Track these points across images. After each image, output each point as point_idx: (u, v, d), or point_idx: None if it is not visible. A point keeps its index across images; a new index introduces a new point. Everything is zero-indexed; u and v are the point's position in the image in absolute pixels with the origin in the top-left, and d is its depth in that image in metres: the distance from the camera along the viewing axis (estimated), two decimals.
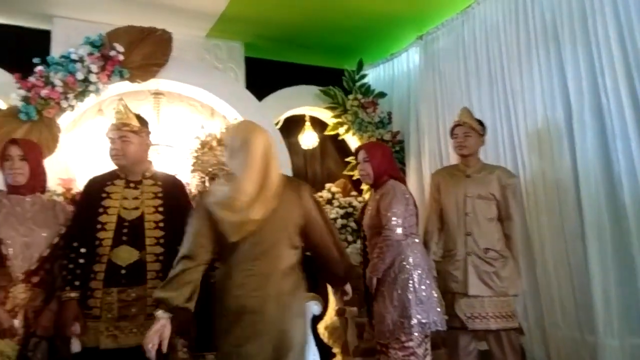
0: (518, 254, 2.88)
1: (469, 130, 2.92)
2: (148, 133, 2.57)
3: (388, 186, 2.65)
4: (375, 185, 2.74)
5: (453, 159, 3.78)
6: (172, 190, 2.52)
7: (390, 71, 4.86)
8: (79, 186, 3.45)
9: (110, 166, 2.62)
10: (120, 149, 2.40)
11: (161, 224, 2.40)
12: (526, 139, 3.40)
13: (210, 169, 2.76)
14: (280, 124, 4.56)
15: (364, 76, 4.77)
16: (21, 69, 3.50)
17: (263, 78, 4.60)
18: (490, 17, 3.75)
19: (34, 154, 2.46)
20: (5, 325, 2.12)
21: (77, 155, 3.80)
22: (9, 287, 2.19)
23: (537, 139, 3.33)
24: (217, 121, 4.26)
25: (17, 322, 2.17)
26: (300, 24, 4.21)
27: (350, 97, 4.64)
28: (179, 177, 2.80)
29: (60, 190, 3.44)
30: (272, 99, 4.54)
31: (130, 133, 2.42)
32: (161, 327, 1.78)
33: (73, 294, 2.24)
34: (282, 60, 4.83)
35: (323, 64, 4.93)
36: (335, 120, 4.69)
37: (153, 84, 3.99)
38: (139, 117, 2.52)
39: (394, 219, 2.52)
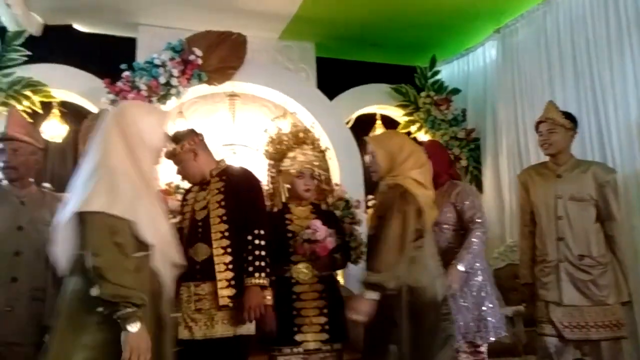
0: (624, 257, 2.64)
1: (554, 127, 2.75)
2: (202, 139, 2.65)
3: (459, 185, 2.60)
4: (434, 184, 2.69)
5: (534, 157, 3.61)
6: (235, 183, 2.54)
7: (465, 67, 4.71)
8: (161, 185, 3.64)
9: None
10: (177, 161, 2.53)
11: (224, 218, 2.46)
12: (617, 135, 3.17)
13: (291, 168, 2.81)
14: (352, 123, 4.55)
15: (436, 72, 4.66)
16: (110, 74, 3.74)
17: (334, 77, 4.62)
18: (576, 6, 3.54)
19: None
20: None
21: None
22: None
23: (629, 135, 3.09)
24: (288, 121, 4.33)
25: None
26: (372, 22, 4.19)
27: (423, 94, 4.55)
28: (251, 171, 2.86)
29: None
30: (343, 98, 4.55)
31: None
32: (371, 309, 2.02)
33: None
34: (352, 59, 4.82)
35: (394, 62, 4.87)
36: (407, 119, 4.62)
37: (228, 86, 4.13)
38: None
39: (482, 218, 2.48)
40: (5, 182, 2.54)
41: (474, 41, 4.55)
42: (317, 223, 2.57)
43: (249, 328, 2.40)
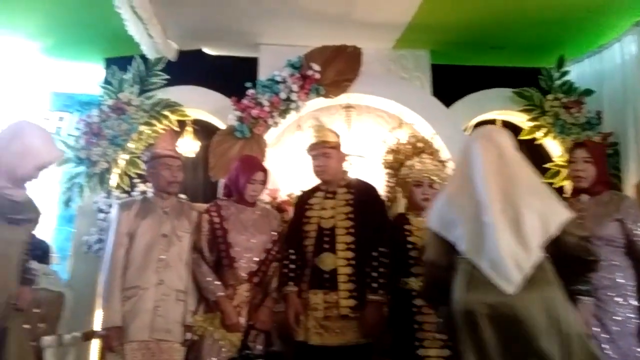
0: None
1: None
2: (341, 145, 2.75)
3: (626, 199, 2.43)
4: (590, 192, 2.45)
5: None
6: (364, 196, 2.66)
7: (598, 65, 4.29)
8: (282, 195, 3.81)
9: (309, 178, 2.88)
10: (323, 165, 2.60)
11: (351, 230, 2.54)
12: None
13: (408, 176, 2.79)
14: (470, 130, 4.38)
15: (565, 73, 4.31)
16: (235, 93, 4.01)
17: (450, 84, 4.48)
18: None
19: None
20: (234, 320, 2.43)
21: (280, 167, 4.19)
22: (236, 286, 2.50)
23: None
24: (405, 131, 4.29)
25: (242, 320, 2.47)
26: (491, 25, 4.00)
27: (549, 97, 4.23)
28: (372, 184, 2.89)
29: (267, 199, 3.83)
30: (460, 105, 4.39)
31: (329, 149, 2.61)
32: None
33: (293, 288, 2.50)
34: (470, 65, 4.65)
35: (516, 64, 4.60)
36: (532, 124, 4.33)
37: (344, 98, 4.20)
38: (334, 132, 2.70)
39: None
40: (150, 194, 2.83)
41: (608, 37, 4.13)
42: None
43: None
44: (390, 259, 2.56)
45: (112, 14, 3.71)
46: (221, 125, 4.19)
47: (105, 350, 2.46)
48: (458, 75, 4.59)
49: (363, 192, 2.71)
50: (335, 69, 3.97)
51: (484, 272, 1.70)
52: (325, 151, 2.65)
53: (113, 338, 2.34)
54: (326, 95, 3.99)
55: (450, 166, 3.07)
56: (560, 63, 4.30)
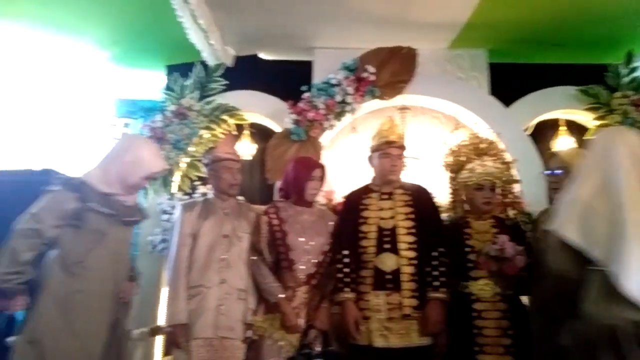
0: None
1: None
2: None
3: None
4: None
5: None
6: (421, 198, 2.69)
7: None
8: (338, 197, 3.83)
9: (364, 178, 2.88)
10: (395, 165, 2.62)
11: (412, 230, 2.56)
12: None
13: (468, 180, 2.75)
14: (530, 130, 4.24)
15: (634, 69, 4.09)
16: (291, 96, 4.07)
17: (509, 83, 4.35)
18: None
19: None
20: (293, 321, 2.47)
21: (335, 170, 4.21)
22: (295, 288, 2.54)
23: None
24: (461, 132, 4.21)
25: (301, 321, 2.51)
26: (553, 21, 3.86)
27: (617, 94, 4.03)
28: (424, 186, 2.87)
29: (322, 201, 3.87)
30: (520, 104, 4.25)
31: (401, 149, 2.63)
32: None
33: (350, 295, 2.50)
34: (530, 62, 4.50)
35: (579, 61, 4.40)
36: (598, 123, 4.13)
37: (399, 99, 4.17)
38: (402, 133, 2.72)
39: None
40: (211, 196, 2.93)
41: None
42: (505, 239, 2.45)
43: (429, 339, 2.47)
44: (449, 262, 2.54)
45: (173, 23, 3.88)
46: (277, 128, 4.27)
47: (171, 346, 2.56)
48: (517, 74, 4.45)
49: (419, 194, 2.72)
50: (390, 70, 3.96)
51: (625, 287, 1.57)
52: (398, 151, 2.67)
53: (179, 335, 2.43)
54: (381, 97, 3.99)
55: (515, 167, 2.99)
56: (629, 59, 4.09)
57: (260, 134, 4.39)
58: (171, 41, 4.40)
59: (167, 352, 3.05)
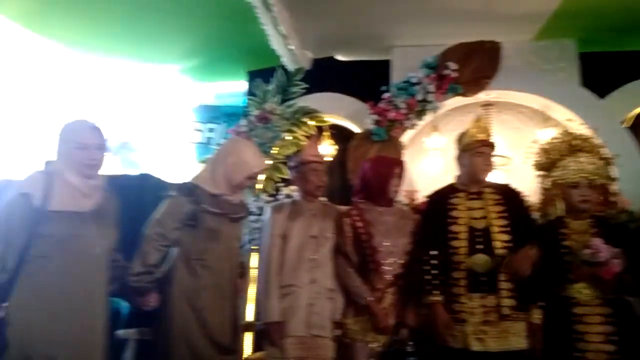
0: None
1: None
2: None
3: None
4: None
5: None
6: (511, 197, 2.61)
7: None
8: (420, 197, 3.78)
9: (446, 177, 2.83)
10: (489, 164, 2.56)
11: (506, 229, 2.49)
12: None
13: (562, 178, 2.62)
14: (629, 123, 3.96)
15: None
16: (369, 96, 4.08)
17: (603, 74, 4.10)
18: None
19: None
20: (385, 323, 2.49)
21: (417, 169, 4.17)
22: (383, 289, 2.55)
23: None
24: (550, 127, 4.01)
25: (391, 322, 2.52)
26: None
27: None
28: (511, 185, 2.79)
29: (404, 201, 3.84)
30: (617, 95, 4.00)
31: (492, 148, 2.56)
32: None
33: (438, 298, 2.47)
34: (623, 50, 4.22)
35: None
36: None
37: (482, 95, 4.05)
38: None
39: None
40: (297, 197, 2.99)
41: None
42: (598, 242, 2.31)
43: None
44: (544, 263, 2.44)
45: (254, 30, 4.03)
46: (355, 128, 4.29)
47: (263, 342, 2.65)
48: (611, 64, 4.19)
49: (510, 193, 2.65)
50: (473, 66, 3.86)
51: None
52: (490, 150, 2.61)
53: (274, 332, 2.50)
54: (464, 94, 3.90)
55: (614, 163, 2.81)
56: None
57: (339, 135, 4.43)
58: (251, 48, 4.58)
59: (257, 348, 3.16)
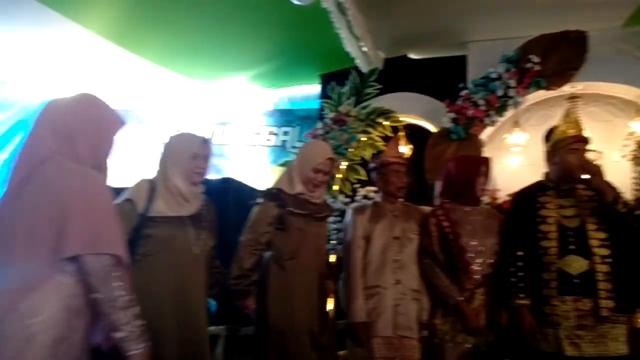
0: None
1: None
2: None
3: None
4: None
5: None
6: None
7: None
8: (503, 196, 3.67)
9: (530, 175, 2.72)
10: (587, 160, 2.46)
11: (603, 226, 2.35)
12: None
13: None
14: None
15: None
16: (444, 94, 4.01)
17: None
18: None
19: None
20: (475, 323, 2.44)
21: (496, 167, 4.03)
22: (473, 289, 2.51)
23: None
24: None
25: (482, 322, 2.47)
26: None
27: None
28: None
29: (486, 200, 3.74)
30: None
31: (585, 143, 2.46)
32: None
33: (525, 301, 2.39)
34: None
35: None
36: None
37: (567, 87, 3.86)
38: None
39: None
40: (378, 198, 3.00)
41: None
42: None
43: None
44: None
45: (327, 34, 4.07)
46: (430, 128, 4.23)
47: (350, 342, 2.68)
48: None
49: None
50: (557, 57, 3.69)
51: None
52: (583, 145, 2.49)
53: (361, 332, 2.53)
54: (548, 87, 3.73)
55: None
56: None
57: (414, 134, 4.38)
58: (324, 52, 4.64)
59: (340, 347, 3.20)
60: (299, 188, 2.55)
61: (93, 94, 1.68)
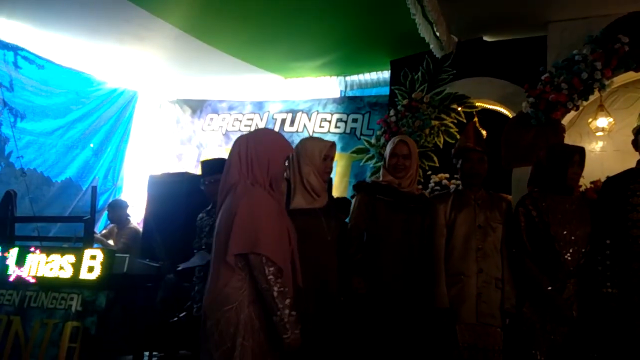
0: None
1: None
2: None
3: None
4: None
5: None
6: None
7: None
8: (587, 183, 3.52)
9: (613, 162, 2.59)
10: None
11: None
12: None
13: None
14: None
15: None
16: (522, 78, 3.87)
17: None
18: None
19: None
20: (566, 313, 2.41)
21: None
22: (565, 279, 2.46)
23: None
24: None
25: (574, 312, 2.43)
26: None
27: None
28: None
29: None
30: None
31: None
32: None
33: (613, 290, 2.35)
34: None
35: None
36: None
37: None
38: None
39: None
40: (461, 187, 2.97)
41: None
42: None
43: None
44: None
45: (396, 20, 4.05)
46: (507, 113, 4.10)
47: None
48: None
49: None
50: None
51: None
52: None
53: (444, 318, 2.56)
54: (638, 69, 3.50)
55: None
56: None
57: (489, 119, 4.27)
58: (395, 37, 4.60)
59: None
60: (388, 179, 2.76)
61: (268, 128, 2.17)
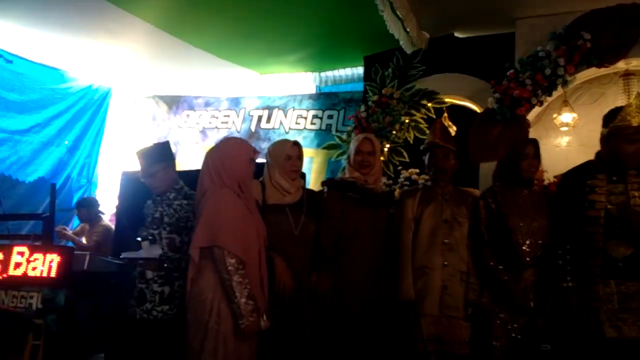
0: None
1: None
2: None
3: None
4: None
5: None
6: None
7: None
8: (549, 177, 3.60)
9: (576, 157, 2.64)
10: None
11: None
12: None
13: None
14: None
15: None
16: (490, 74, 3.92)
17: None
18: None
19: None
20: (522, 303, 2.48)
21: (544, 147, 3.92)
22: (521, 270, 2.54)
23: None
24: None
25: (530, 302, 2.49)
26: None
27: None
28: None
29: None
30: None
31: None
32: None
33: (572, 284, 2.41)
34: None
35: None
36: None
37: (620, 64, 3.69)
38: None
39: None
40: (429, 183, 3.00)
41: None
42: None
43: None
44: None
45: (370, 16, 4.06)
46: (476, 109, 4.16)
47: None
48: None
49: None
50: (610, 33, 3.52)
51: None
52: None
53: (409, 310, 2.59)
54: (599, 65, 3.58)
55: None
56: None
57: (458, 116, 4.33)
58: (368, 33, 4.62)
59: None
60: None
61: (231, 137, 2.89)
